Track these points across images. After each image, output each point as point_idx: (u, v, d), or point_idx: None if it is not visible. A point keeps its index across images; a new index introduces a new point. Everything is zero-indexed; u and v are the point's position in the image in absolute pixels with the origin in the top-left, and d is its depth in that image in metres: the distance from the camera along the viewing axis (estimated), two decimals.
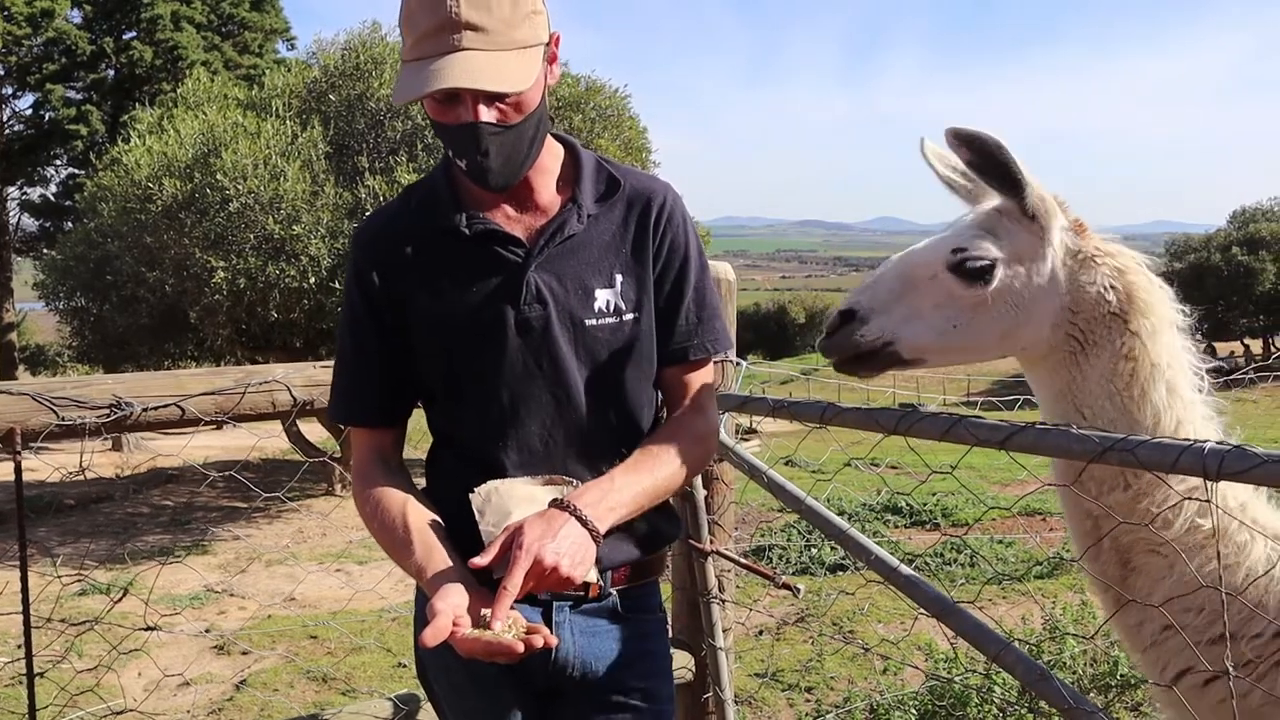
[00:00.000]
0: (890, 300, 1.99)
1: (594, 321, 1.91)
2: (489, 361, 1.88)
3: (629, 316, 1.93)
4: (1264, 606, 1.89)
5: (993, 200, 2.04)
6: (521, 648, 1.55)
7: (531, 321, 1.87)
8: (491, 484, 1.86)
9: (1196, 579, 1.87)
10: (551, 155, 1.96)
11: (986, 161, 1.91)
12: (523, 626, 1.61)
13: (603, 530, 1.74)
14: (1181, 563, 1.90)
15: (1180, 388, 1.97)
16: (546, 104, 1.86)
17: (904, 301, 1.99)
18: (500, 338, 1.87)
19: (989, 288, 1.95)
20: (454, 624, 1.57)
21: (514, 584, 1.61)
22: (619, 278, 1.93)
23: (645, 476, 1.87)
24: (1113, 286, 1.96)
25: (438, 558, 1.76)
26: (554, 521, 1.70)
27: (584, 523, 1.72)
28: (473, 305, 1.88)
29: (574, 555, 1.67)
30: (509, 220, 1.91)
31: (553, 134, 1.96)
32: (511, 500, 1.82)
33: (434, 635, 1.54)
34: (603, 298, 1.91)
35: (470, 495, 1.84)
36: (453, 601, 1.61)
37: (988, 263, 1.94)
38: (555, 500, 1.75)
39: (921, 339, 1.99)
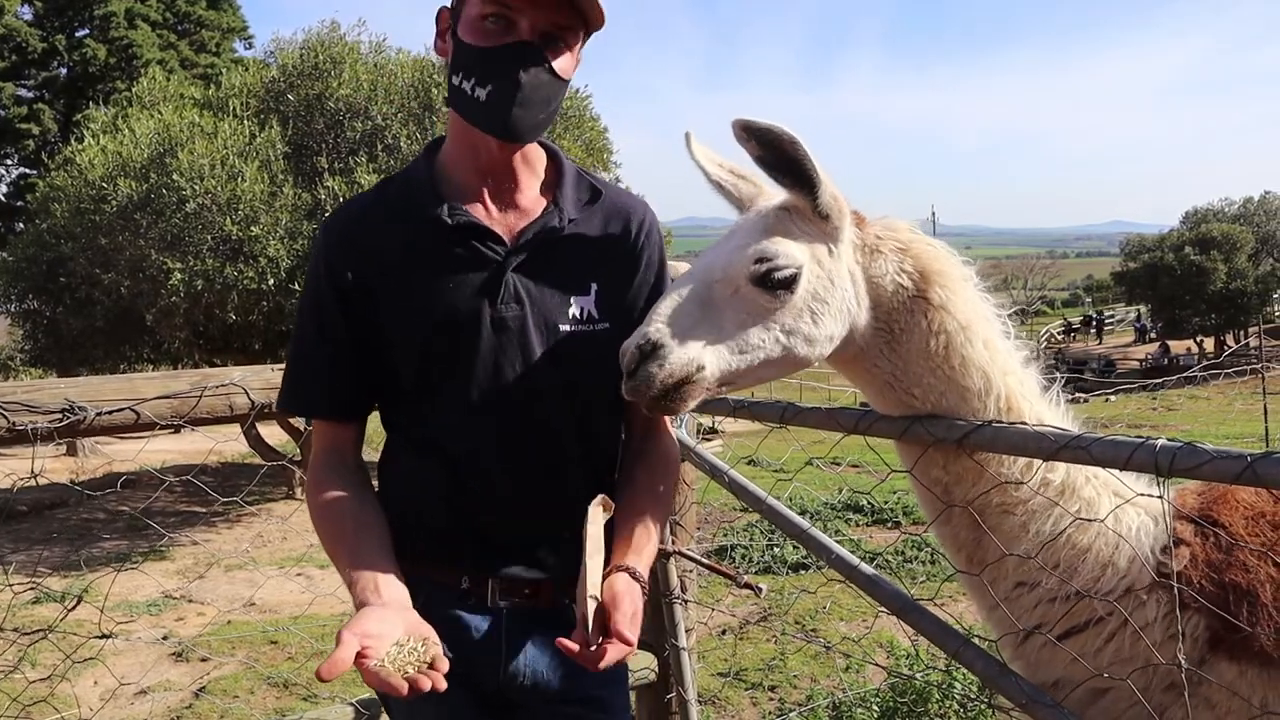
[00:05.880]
0: (690, 325, 1.80)
1: (568, 327, 1.92)
2: (461, 357, 1.88)
3: (602, 325, 1.94)
4: (1114, 564, 1.92)
5: (770, 200, 1.95)
6: (405, 689, 1.53)
7: (508, 321, 1.87)
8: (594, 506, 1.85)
9: (1051, 537, 1.91)
10: (537, 158, 1.98)
11: (778, 157, 1.81)
12: (429, 653, 1.60)
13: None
14: (1036, 521, 1.93)
15: (995, 340, 1.98)
16: (562, 99, 1.90)
17: (705, 324, 1.81)
18: (475, 334, 1.87)
19: (795, 296, 1.84)
20: (363, 653, 1.53)
21: (603, 665, 1.66)
22: (594, 287, 1.94)
23: (663, 516, 1.99)
24: (904, 270, 1.94)
25: (367, 577, 1.74)
26: (635, 598, 1.75)
27: (644, 593, 1.80)
28: (449, 299, 1.87)
29: (637, 638, 1.73)
30: (489, 217, 1.92)
31: (536, 140, 1.97)
32: (595, 528, 1.83)
33: (329, 669, 1.48)
34: (578, 304, 1.93)
35: (590, 509, 1.83)
36: (362, 629, 1.57)
37: (793, 271, 1.83)
38: (633, 572, 1.79)
39: (730, 362, 1.83)
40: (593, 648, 1.66)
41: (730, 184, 2.03)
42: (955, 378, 1.93)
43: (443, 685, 1.56)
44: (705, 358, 1.80)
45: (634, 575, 1.79)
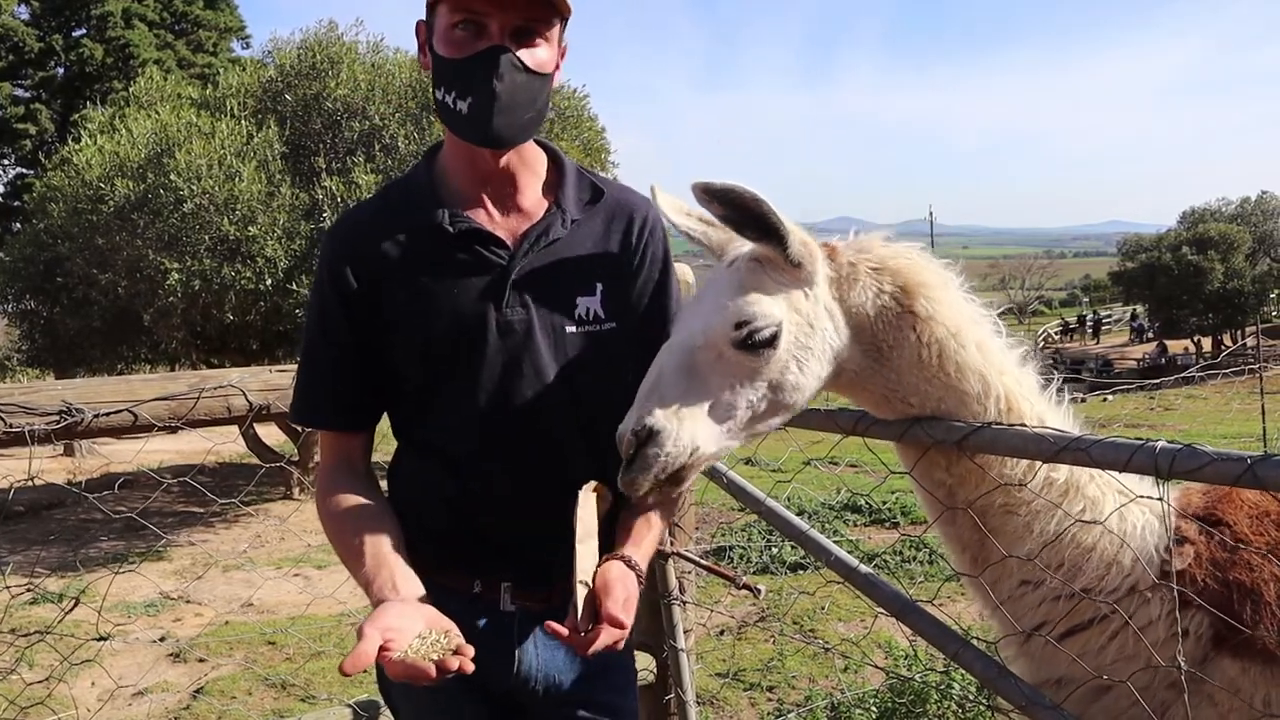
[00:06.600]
0: (679, 398, 1.80)
1: (574, 328, 1.91)
2: (468, 362, 1.88)
3: (609, 325, 1.94)
4: (1119, 563, 1.93)
5: (742, 246, 1.95)
6: (434, 672, 1.53)
7: (514, 324, 1.87)
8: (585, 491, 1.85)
9: (1056, 537, 1.92)
10: (536, 158, 1.97)
11: (743, 215, 1.81)
12: (452, 643, 1.60)
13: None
14: (1040, 521, 1.93)
15: (987, 341, 1.98)
16: (550, 93, 1.88)
17: (694, 395, 1.81)
18: (481, 338, 1.87)
19: (778, 351, 1.85)
20: (385, 646, 1.54)
21: (593, 650, 1.66)
22: (599, 286, 1.94)
23: (666, 512, 2.00)
24: (884, 290, 1.93)
25: (384, 575, 1.74)
26: (629, 585, 1.75)
27: (640, 582, 1.80)
28: (454, 304, 1.87)
29: (630, 625, 1.72)
30: (492, 221, 1.91)
31: (535, 139, 1.97)
32: (586, 513, 1.82)
33: (353, 663, 1.49)
34: (583, 304, 1.92)
35: (580, 495, 1.83)
36: (383, 624, 1.57)
37: (773, 329, 1.83)
38: (628, 560, 1.80)
39: (725, 430, 1.84)
40: (582, 633, 1.66)
41: (700, 233, 2.02)
42: (952, 384, 1.94)
43: (470, 667, 1.56)
44: (700, 438, 1.80)
45: (629, 564, 1.79)
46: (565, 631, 1.66)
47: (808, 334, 1.88)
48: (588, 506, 1.81)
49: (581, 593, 1.70)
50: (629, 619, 1.70)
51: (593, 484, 1.86)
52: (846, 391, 2.04)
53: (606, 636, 1.66)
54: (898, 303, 1.93)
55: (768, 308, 1.84)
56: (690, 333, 1.87)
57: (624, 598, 1.71)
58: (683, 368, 1.83)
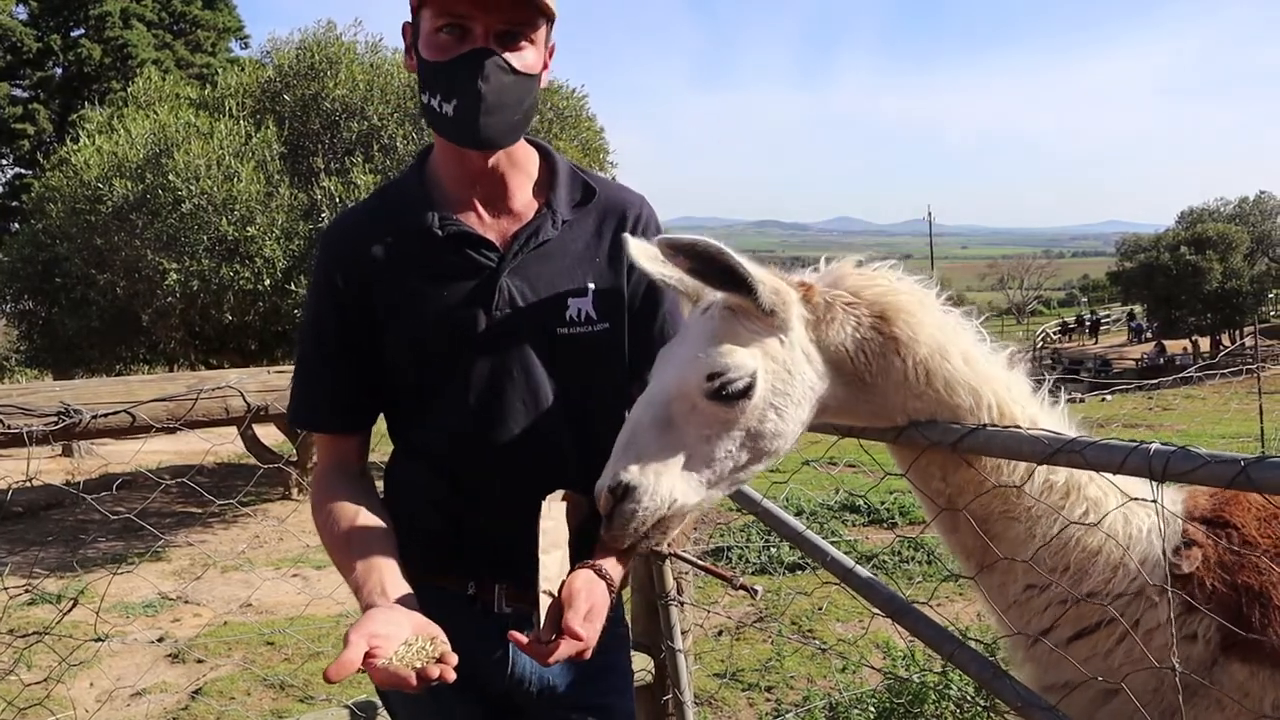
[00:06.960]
0: (655, 452, 1.78)
1: (566, 330, 1.91)
2: (459, 366, 1.88)
3: (601, 326, 1.93)
4: (1125, 565, 1.92)
5: (716, 294, 1.91)
6: (414, 681, 1.53)
7: (503, 327, 1.87)
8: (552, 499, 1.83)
9: (1060, 541, 1.91)
10: (528, 158, 1.96)
11: (709, 267, 1.79)
12: (437, 651, 1.60)
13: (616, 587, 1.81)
14: (1041, 526, 1.93)
15: (971, 350, 1.96)
16: (538, 94, 1.88)
17: (670, 446, 1.79)
18: (470, 342, 1.87)
19: (753, 400, 1.82)
20: (371, 652, 1.53)
21: (553, 660, 1.64)
22: (591, 287, 1.93)
23: None
24: (862, 324, 1.91)
25: (374, 580, 1.73)
26: (594, 594, 1.72)
27: (610, 590, 1.77)
28: (444, 308, 1.87)
29: (596, 636, 1.69)
30: (482, 224, 1.91)
31: (527, 139, 1.96)
32: (552, 522, 1.80)
33: (337, 670, 1.47)
34: (575, 306, 1.91)
35: (545, 504, 1.81)
36: (370, 630, 1.56)
37: (747, 380, 1.80)
38: (598, 569, 1.78)
39: (704, 481, 1.82)
40: (544, 643, 1.65)
41: (675, 279, 1.97)
42: (943, 399, 1.93)
43: (451, 676, 1.55)
44: (678, 491, 1.78)
45: (599, 573, 1.77)
46: (525, 641, 1.64)
47: (785, 380, 1.86)
48: (552, 516, 1.80)
49: (545, 602, 1.69)
50: (591, 631, 1.68)
51: (561, 492, 1.84)
52: (832, 419, 2.02)
53: (566, 648, 1.64)
54: (878, 332, 1.91)
55: (741, 358, 1.81)
56: (663, 385, 1.84)
57: (586, 609, 1.69)
58: (658, 421, 1.81)
